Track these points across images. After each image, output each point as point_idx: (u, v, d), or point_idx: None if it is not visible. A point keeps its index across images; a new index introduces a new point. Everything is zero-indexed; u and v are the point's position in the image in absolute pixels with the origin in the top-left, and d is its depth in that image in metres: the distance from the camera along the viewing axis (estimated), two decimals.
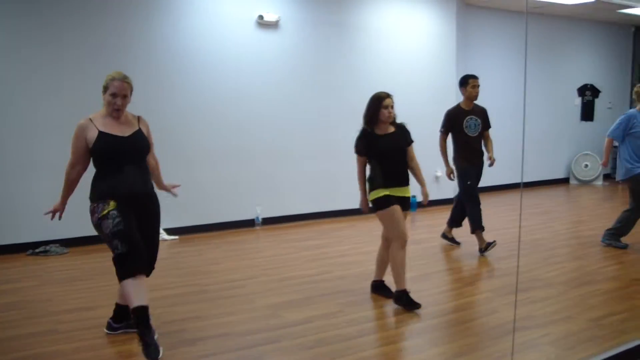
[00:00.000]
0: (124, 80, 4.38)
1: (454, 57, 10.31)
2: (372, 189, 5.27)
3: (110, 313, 4.71)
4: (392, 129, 5.30)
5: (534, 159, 11.79)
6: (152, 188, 4.62)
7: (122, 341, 4.52)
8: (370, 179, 5.32)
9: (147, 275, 4.42)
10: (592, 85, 13.30)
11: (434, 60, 10.06)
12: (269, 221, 8.76)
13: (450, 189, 10.26)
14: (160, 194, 4.68)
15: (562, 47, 12.73)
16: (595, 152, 12.48)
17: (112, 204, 4.30)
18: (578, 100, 13.06)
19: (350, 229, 8.55)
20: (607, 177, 13.29)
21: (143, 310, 4.14)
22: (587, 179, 12.92)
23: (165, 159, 7.89)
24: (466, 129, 7.10)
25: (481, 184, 11.67)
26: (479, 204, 7.18)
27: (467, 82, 7.07)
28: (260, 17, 8.34)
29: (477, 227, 7.13)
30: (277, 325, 4.82)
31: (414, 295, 5.17)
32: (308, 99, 8.84)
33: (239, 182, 8.53)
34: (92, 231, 7.35)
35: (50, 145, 7.14)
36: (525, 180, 12.13)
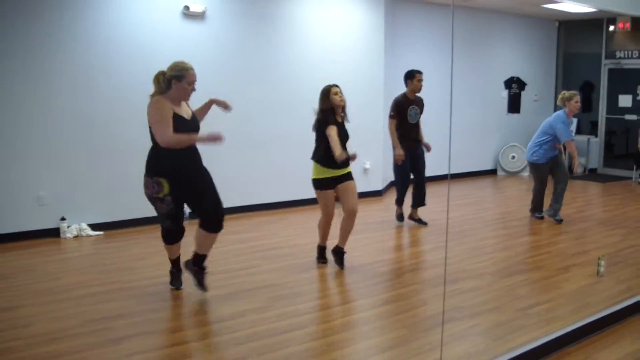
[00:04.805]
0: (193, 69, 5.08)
1: (382, 48, 10.31)
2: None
3: (31, 312, 4.70)
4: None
5: (462, 150, 11.91)
6: (200, 160, 5.26)
7: (47, 341, 4.36)
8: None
9: (219, 230, 5.21)
10: (518, 78, 13.52)
11: (363, 52, 10.04)
12: None
13: (379, 180, 10.30)
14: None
15: (488, 40, 12.90)
16: (522, 143, 12.69)
17: (166, 187, 4.90)
18: (505, 93, 13.27)
19: (282, 222, 8.46)
20: None
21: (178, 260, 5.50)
22: (514, 170, 13.14)
23: (89, 152, 7.75)
24: (409, 117, 7.82)
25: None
26: (407, 186, 8.05)
27: (414, 76, 7.89)
28: (186, 7, 8.16)
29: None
30: (206, 321, 4.74)
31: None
32: (234, 90, 8.67)
33: None
34: (15, 228, 7.14)
35: None
36: (453, 171, 12.25)
